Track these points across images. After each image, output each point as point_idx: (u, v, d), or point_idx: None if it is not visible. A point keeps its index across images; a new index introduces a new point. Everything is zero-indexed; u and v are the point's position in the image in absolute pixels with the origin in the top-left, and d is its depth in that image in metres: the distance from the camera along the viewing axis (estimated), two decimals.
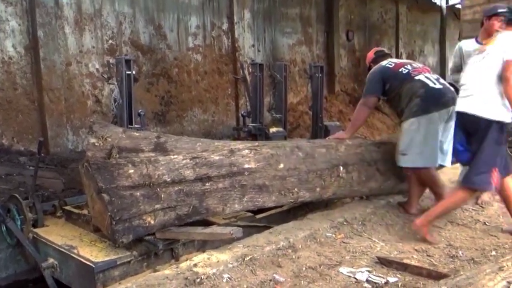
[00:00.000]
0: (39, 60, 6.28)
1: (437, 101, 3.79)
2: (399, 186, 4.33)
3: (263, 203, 3.53)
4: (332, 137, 4.49)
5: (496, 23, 4.02)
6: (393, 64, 4.10)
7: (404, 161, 3.91)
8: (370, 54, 4.52)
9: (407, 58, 13.42)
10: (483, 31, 4.24)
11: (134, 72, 4.19)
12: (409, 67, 4.04)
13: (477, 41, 4.32)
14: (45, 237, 3.47)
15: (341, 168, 3.93)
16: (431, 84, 3.85)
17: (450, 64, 4.46)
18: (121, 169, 2.95)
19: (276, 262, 2.94)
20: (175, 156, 3.24)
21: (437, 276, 2.58)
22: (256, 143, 3.86)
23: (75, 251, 3.13)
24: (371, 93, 4.15)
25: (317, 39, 11.09)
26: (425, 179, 3.97)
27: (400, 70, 4.01)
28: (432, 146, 3.81)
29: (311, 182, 3.75)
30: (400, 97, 3.96)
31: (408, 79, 3.92)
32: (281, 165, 3.61)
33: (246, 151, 3.52)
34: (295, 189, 3.66)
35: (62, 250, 3.21)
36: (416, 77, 3.91)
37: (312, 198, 3.84)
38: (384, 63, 4.17)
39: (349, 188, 4.03)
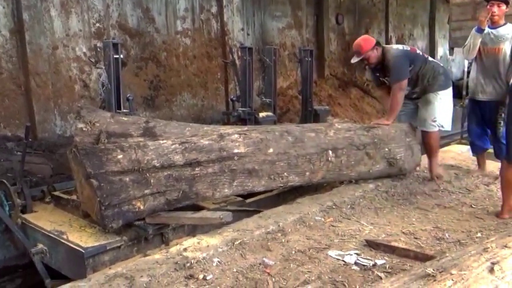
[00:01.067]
0: (25, 43, 6.16)
1: (450, 78, 4.65)
2: (388, 170, 4.37)
3: (252, 187, 3.54)
4: (374, 122, 4.68)
5: (489, 8, 4.28)
6: (409, 48, 4.63)
7: (434, 126, 4.45)
8: (371, 41, 4.39)
9: (397, 41, 13.40)
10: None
11: (122, 56, 4.15)
12: (418, 51, 4.66)
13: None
14: (34, 222, 3.45)
15: (330, 152, 3.95)
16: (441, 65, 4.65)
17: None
18: (110, 154, 2.93)
19: (265, 246, 2.97)
20: (164, 141, 3.23)
21: (424, 258, 2.62)
22: (246, 128, 3.86)
23: (65, 236, 3.12)
24: (405, 76, 4.33)
25: (307, 23, 11.01)
26: (435, 142, 4.55)
27: (417, 52, 4.58)
28: (452, 113, 4.56)
29: (300, 167, 3.77)
30: (422, 76, 4.42)
31: (426, 61, 4.46)
32: (271, 150, 3.61)
33: (236, 135, 3.52)
34: (285, 173, 3.67)
35: (52, 235, 3.20)
36: (429, 59, 4.54)
37: (301, 182, 3.86)
38: (400, 47, 4.61)
39: (338, 172, 4.05)
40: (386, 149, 4.27)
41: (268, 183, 3.62)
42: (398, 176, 4.44)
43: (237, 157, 3.42)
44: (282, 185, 3.74)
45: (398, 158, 4.34)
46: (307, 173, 3.84)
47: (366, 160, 4.18)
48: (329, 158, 3.94)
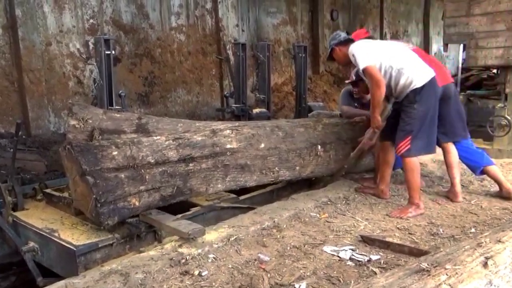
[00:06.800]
0: (18, 40, 6.13)
1: None
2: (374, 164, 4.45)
3: (245, 182, 3.55)
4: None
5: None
6: None
7: None
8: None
9: (391, 38, 13.42)
10: None
11: (114, 52, 4.11)
12: None
13: None
14: (25, 220, 3.40)
15: (319, 147, 4.02)
16: None
17: None
18: (105, 151, 2.90)
19: (261, 242, 2.96)
20: (158, 137, 3.21)
21: (418, 253, 2.63)
22: (237, 123, 3.89)
23: (56, 234, 3.08)
24: None
25: (302, 19, 11.01)
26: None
27: None
28: None
29: (291, 161, 3.81)
30: None
31: None
32: (262, 145, 3.64)
33: (228, 131, 3.53)
34: (276, 168, 3.71)
35: (43, 233, 3.15)
36: None
37: (291, 176, 3.89)
38: None
39: (327, 166, 4.12)
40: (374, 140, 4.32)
41: (260, 177, 3.64)
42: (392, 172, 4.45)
43: (230, 153, 3.43)
44: (273, 179, 3.77)
45: None
46: (297, 168, 3.88)
47: (351, 160, 4.21)
48: (318, 153, 4.00)
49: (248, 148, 3.54)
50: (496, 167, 4.03)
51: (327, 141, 4.09)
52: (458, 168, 3.98)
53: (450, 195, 3.90)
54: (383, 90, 3.53)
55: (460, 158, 4.12)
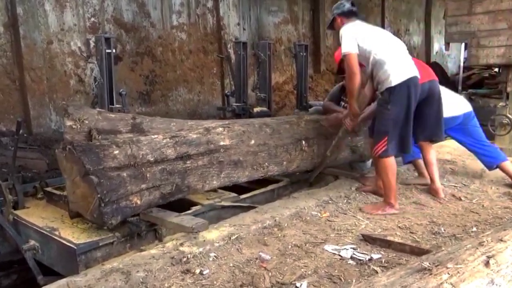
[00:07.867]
0: (19, 38, 6.13)
1: None
2: (351, 157, 4.67)
3: (237, 178, 3.60)
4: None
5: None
6: None
7: None
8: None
9: None
10: None
11: (114, 51, 4.11)
12: None
13: None
14: (26, 219, 3.39)
15: (304, 142, 4.12)
16: None
17: None
18: (106, 150, 2.90)
19: (262, 241, 2.96)
20: (156, 136, 3.24)
21: (420, 252, 2.62)
22: (227, 121, 3.97)
23: (57, 232, 3.08)
24: None
25: (303, 18, 11.00)
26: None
27: None
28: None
29: (279, 156, 3.89)
30: None
31: None
32: (252, 141, 3.72)
33: (220, 129, 3.60)
34: (266, 163, 3.79)
35: (43, 232, 3.15)
36: None
37: (279, 171, 3.97)
38: None
39: (311, 160, 4.22)
40: (349, 138, 4.46)
41: (252, 173, 3.70)
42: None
43: (223, 149, 3.48)
44: (263, 175, 3.83)
45: (359, 145, 4.60)
46: (285, 163, 3.96)
47: (333, 148, 4.31)
48: (303, 148, 4.11)
49: (240, 145, 3.61)
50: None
51: (310, 136, 4.21)
52: (436, 165, 4.05)
53: (432, 192, 3.94)
54: (355, 82, 3.53)
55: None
